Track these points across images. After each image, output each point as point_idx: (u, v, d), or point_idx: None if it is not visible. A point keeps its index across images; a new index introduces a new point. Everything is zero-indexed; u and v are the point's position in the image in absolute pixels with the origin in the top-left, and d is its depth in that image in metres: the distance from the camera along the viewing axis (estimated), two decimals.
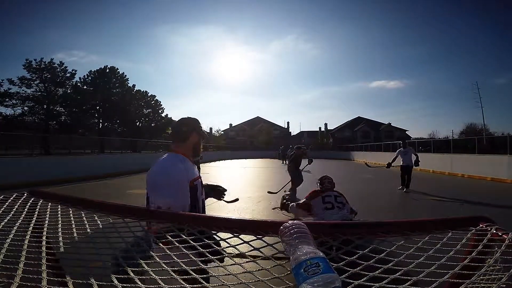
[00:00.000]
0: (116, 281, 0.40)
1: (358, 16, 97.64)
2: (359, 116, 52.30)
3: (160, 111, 34.50)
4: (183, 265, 0.47)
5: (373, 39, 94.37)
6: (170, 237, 0.55)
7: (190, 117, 1.44)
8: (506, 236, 0.50)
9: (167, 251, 0.51)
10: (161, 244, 0.55)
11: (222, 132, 53.69)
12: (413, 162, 7.56)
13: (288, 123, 57.12)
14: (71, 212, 0.71)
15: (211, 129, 54.48)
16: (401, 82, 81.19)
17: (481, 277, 0.45)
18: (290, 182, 6.48)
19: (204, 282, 0.42)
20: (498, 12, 64.70)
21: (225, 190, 1.62)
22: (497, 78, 66.12)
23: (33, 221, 0.61)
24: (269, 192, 6.82)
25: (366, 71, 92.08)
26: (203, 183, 1.46)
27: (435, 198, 6.73)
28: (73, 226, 0.62)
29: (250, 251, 0.53)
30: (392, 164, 7.81)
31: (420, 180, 10.61)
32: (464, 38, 72.17)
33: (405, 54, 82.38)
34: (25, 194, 0.84)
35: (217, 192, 1.60)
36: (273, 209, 5.49)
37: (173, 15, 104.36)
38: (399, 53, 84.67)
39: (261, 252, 0.52)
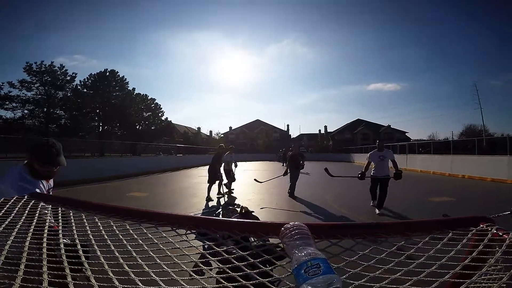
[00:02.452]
0: (116, 282, 0.40)
1: (354, 19, 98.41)
2: (358, 119, 52.35)
3: (160, 114, 34.47)
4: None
5: (370, 41, 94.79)
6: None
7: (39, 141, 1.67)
8: (506, 236, 0.50)
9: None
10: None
11: (222, 135, 53.66)
12: (388, 171, 5.45)
13: (288, 125, 57.30)
14: (71, 214, 0.71)
15: (211, 132, 54.62)
16: (398, 84, 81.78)
17: (482, 277, 0.45)
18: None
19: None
20: (496, 13, 65.14)
21: None
22: (495, 79, 66.40)
23: (34, 223, 0.61)
24: (255, 180, 7.95)
25: (363, 73, 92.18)
26: None
27: (436, 199, 6.71)
28: (74, 228, 0.62)
29: (251, 251, 0.53)
30: (367, 174, 5.47)
31: (421, 181, 10.60)
32: (461, 39, 72.75)
33: (401, 56, 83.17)
34: (26, 197, 0.85)
35: None
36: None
37: (172, 20, 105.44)
38: (395, 56, 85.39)
39: (261, 253, 0.52)
